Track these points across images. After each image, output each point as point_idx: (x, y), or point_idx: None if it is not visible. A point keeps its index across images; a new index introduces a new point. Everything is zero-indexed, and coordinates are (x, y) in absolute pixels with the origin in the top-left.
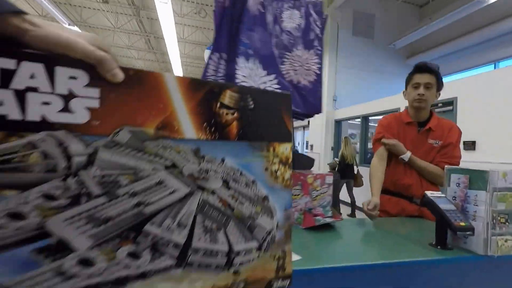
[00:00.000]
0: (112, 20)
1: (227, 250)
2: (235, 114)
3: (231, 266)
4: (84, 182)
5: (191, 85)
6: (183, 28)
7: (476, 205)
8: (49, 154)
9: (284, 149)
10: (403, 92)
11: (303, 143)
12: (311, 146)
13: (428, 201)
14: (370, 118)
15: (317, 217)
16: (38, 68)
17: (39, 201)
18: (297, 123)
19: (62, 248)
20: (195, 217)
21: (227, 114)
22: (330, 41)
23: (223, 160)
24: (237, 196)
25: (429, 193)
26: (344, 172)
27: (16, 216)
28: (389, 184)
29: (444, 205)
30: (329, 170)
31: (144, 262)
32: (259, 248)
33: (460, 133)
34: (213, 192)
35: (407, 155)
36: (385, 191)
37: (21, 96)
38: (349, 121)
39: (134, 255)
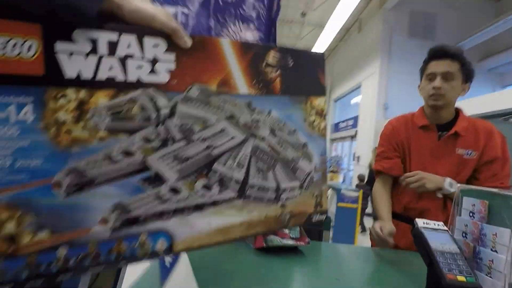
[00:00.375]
0: None
1: (275, 187)
2: (278, 72)
3: (279, 200)
4: (169, 129)
5: (242, 48)
6: None
7: (495, 250)
8: (144, 107)
9: (319, 102)
10: (418, 87)
11: (350, 155)
12: (358, 158)
13: (417, 234)
14: None
15: (271, 237)
16: (132, 39)
17: (141, 143)
18: (344, 133)
19: (158, 179)
20: (250, 158)
21: (271, 72)
22: (381, 46)
23: (269, 112)
24: (282, 142)
25: (421, 221)
26: (373, 184)
27: (127, 153)
28: (397, 206)
29: (439, 244)
30: (358, 181)
31: (214, 193)
32: (300, 187)
33: (504, 139)
34: (263, 139)
35: (448, 184)
36: (392, 214)
37: (123, 61)
38: None
39: (207, 187)
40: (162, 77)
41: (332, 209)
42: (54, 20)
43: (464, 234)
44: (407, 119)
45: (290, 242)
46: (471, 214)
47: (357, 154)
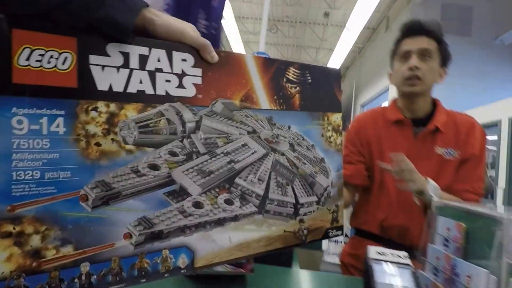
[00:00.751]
0: None
1: (294, 202)
2: (297, 88)
3: (297, 215)
4: (194, 143)
5: (264, 63)
6: (258, 45)
7: None
8: (171, 120)
9: (335, 118)
10: (388, 75)
11: None
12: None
13: (365, 268)
14: None
15: None
16: (162, 53)
17: (167, 156)
18: None
19: (182, 193)
20: (270, 173)
21: (291, 87)
22: None
23: (289, 127)
24: (301, 157)
25: (373, 250)
26: None
27: (153, 167)
28: (372, 224)
29: (389, 285)
30: None
31: (236, 208)
32: (318, 202)
33: (484, 136)
34: (282, 154)
35: (433, 188)
36: (367, 234)
37: (152, 75)
38: None
39: (229, 202)
40: (189, 91)
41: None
42: (89, 34)
43: (435, 271)
44: (377, 114)
45: (224, 269)
46: (445, 242)
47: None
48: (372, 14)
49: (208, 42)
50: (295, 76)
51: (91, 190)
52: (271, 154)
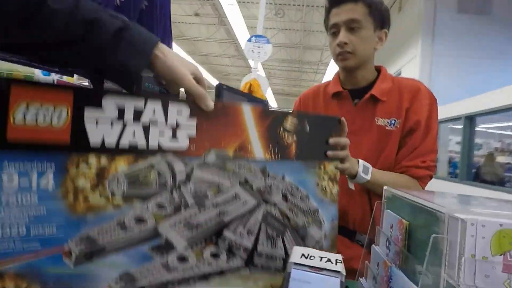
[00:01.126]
0: (204, 30)
1: (283, 256)
2: (294, 137)
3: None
4: (184, 195)
5: (262, 113)
6: (265, 31)
7: None
8: (162, 172)
9: (332, 167)
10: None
11: None
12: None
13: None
14: (477, 118)
15: None
16: (157, 105)
17: (154, 209)
18: None
19: (167, 247)
20: (260, 225)
21: (288, 137)
22: (424, 25)
23: (283, 177)
24: (293, 208)
25: (298, 251)
26: None
27: (140, 220)
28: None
29: None
30: None
31: (222, 262)
32: None
33: (433, 101)
34: (274, 205)
35: (362, 168)
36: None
37: (146, 128)
38: (451, 125)
39: (215, 255)
40: (182, 143)
41: None
42: (83, 89)
43: (374, 281)
44: (318, 89)
45: None
46: (387, 244)
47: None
48: None
49: (204, 92)
50: (292, 126)
51: (75, 246)
52: (263, 205)
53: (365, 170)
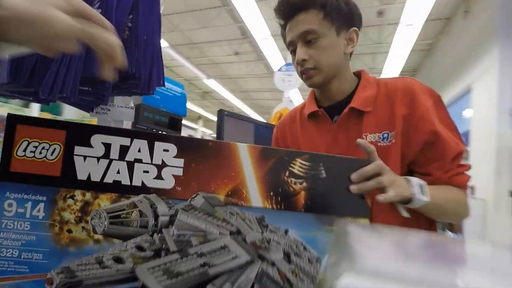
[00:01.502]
0: (244, 68)
1: None
2: (304, 184)
3: None
4: (165, 239)
5: (262, 153)
6: None
7: None
8: (144, 212)
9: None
10: None
11: None
12: (472, 188)
13: None
14: None
15: None
16: (143, 144)
17: (133, 250)
18: None
19: None
20: (252, 286)
21: (295, 183)
22: (499, 30)
23: (286, 232)
24: (298, 272)
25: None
26: None
27: (118, 260)
28: None
29: None
30: None
31: None
32: None
33: (438, 99)
34: (273, 264)
35: (418, 188)
36: None
37: (131, 166)
38: None
39: None
40: (167, 182)
41: None
42: (76, 127)
43: None
44: (295, 112)
45: None
46: None
47: (470, 184)
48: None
49: (100, 34)
50: (302, 170)
51: (56, 275)
52: (258, 262)
53: (422, 190)
